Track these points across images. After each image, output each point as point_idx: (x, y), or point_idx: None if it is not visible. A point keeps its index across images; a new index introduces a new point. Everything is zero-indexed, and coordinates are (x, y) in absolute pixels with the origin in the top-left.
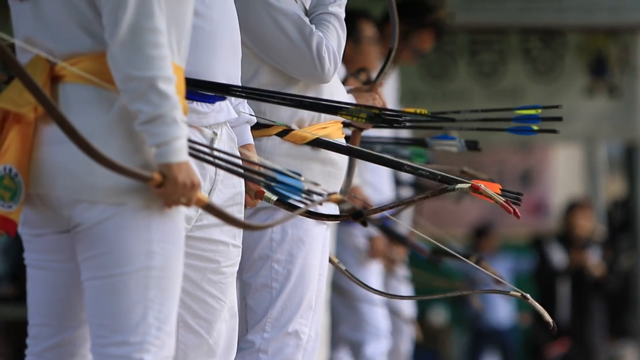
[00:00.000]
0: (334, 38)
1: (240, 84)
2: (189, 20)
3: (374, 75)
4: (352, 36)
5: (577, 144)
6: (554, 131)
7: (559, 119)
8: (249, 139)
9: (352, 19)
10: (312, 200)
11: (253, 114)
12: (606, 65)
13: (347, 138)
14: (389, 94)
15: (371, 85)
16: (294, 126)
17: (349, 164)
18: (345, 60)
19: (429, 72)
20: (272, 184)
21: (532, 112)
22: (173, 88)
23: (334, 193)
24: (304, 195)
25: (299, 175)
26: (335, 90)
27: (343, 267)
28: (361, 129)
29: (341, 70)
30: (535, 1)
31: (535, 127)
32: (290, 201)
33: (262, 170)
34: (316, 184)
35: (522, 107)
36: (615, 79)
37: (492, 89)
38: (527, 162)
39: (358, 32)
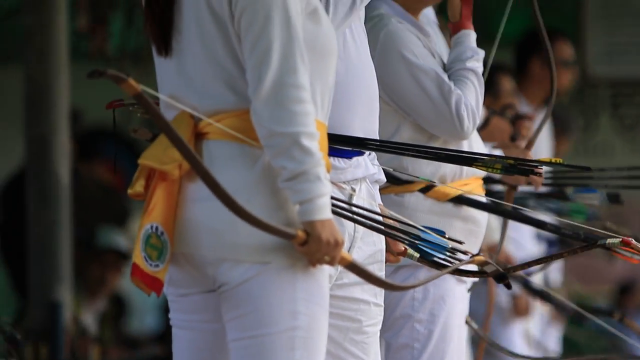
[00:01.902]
0: (472, 95)
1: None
2: (332, 75)
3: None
4: (491, 90)
5: None
6: None
7: None
8: (378, 198)
9: (491, 73)
10: (457, 260)
11: (382, 169)
12: None
13: (499, 197)
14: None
15: (522, 149)
16: (436, 182)
17: (502, 223)
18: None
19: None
20: (417, 242)
21: None
22: (316, 144)
23: (478, 254)
24: (448, 253)
25: (443, 233)
26: (474, 144)
27: (475, 326)
28: (514, 187)
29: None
30: None
31: None
32: (435, 259)
33: (403, 227)
34: (461, 242)
35: None
36: None
37: (635, 143)
38: None
39: (497, 86)
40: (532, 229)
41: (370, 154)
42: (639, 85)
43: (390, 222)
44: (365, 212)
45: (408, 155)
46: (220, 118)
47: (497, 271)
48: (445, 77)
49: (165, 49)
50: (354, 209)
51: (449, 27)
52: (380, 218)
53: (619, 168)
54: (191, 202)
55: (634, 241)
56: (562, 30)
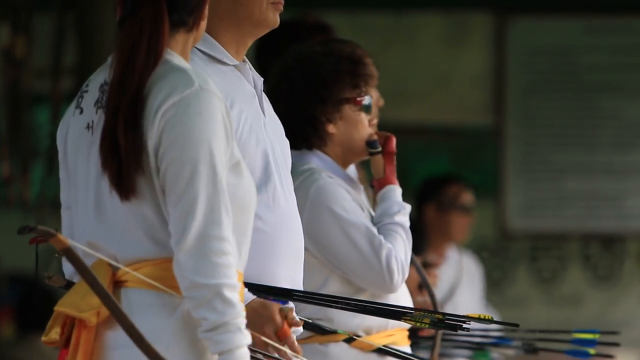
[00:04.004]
0: (401, 249)
1: (303, 290)
2: (250, 227)
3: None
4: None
5: (635, 351)
6: (610, 357)
7: (617, 344)
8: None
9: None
10: None
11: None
12: None
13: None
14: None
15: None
16: (361, 333)
17: None
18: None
19: (488, 277)
20: None
21: (590, 336)
22: (238, 296)
23: None
24: None
25: None
26: (401, 297)
27: None
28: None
29: None
30: (595, 208)
31: (592, 352)
32: None
33: None
34: None
35: (581, 330)
36: None
37: (552, 295)
38: None
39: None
40: None
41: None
42: (556, 239)
43: None
44: None
45: (337, 307)
46: (139, 267)
47: None
48: (375, 230)
49: (127, 194)
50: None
51: (374, 184)
52: None
53: (530, 330)
54: (109, 349)
55: None
56: (483, 185)
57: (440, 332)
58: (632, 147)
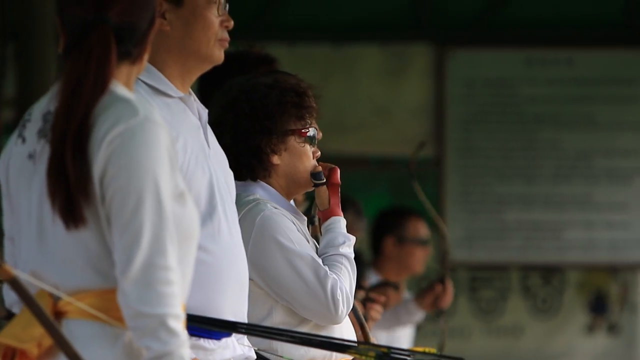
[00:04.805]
0: (346, 280)
1: (247, 321)
2: (193, 257)
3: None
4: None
5: None
6: None
7: None
8: None
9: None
10: None
11: (252, 348)
12: (606, 303)
13: None
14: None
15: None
16: None
17: None
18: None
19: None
20: None
21: None
22: (182, 325)
23: None
24: None
25: None
26: (346, 329)
27: None
28: None
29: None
30: (535, 239)
31: None
32: None
33: None
34: None
35: None
36: (615, 316)
37: (492, 326)
38: None
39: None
40: None
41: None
42: (496, 269)
43: None
44: None
45: (282, 340)
46: (81, 297)
47: None
48: (320, 261)
49: (75, 222)
50: None
51: (319, 215)
52: None
53: None
54: None
55: None
56: (423, 214)
57: None
58: (571, 178)
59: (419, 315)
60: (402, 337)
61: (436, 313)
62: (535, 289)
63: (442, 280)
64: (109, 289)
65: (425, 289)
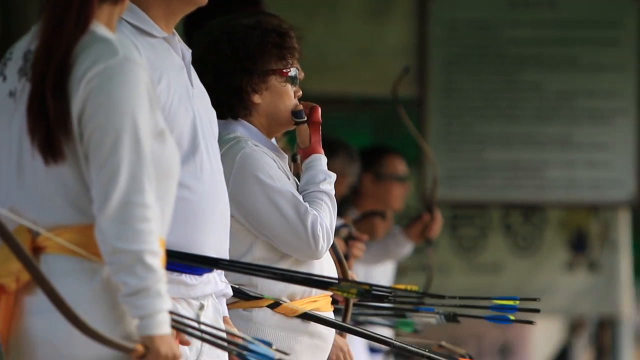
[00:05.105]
0: (327, 216)
1: (228, 257)
2: (173, 194)
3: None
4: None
5: (555, 318)
6: (530, 322)
7: (537, 311)
8: (225, 311)
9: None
10: None
11: (229, 285)
12: (586, 241)
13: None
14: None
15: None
16: (285, 299)
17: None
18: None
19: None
20: (244, 352)
21: (510, 303)
22: (159, 262)
23: None
24: None
25: (270, 345)
26: (326, 265)
27: None
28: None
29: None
30: (516, 178)
31: (512, 317)
32: None
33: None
34: (287, 354)
35: (501, 297)
36: (595, 254)
37: (472, 263)
38: (506, 336)
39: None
40: (364, 342)
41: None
42: (477, 207)
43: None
44: (208, 328)
45: (263, 276)
46: (60, 233)
47: None
48: (300, 198)
49: (55, 157)
50: (201, 325)
51: (300, 153)
52: (223, 334)
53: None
54: (28, 314)
55: None
56: (405, 155)
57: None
58: (552, 118)
59: (408, 246)
60: (381, 274)
61: (425, 243)
62: (515, 227)
63: (430, 210)
64: (87, 225)
65: (414, 220)
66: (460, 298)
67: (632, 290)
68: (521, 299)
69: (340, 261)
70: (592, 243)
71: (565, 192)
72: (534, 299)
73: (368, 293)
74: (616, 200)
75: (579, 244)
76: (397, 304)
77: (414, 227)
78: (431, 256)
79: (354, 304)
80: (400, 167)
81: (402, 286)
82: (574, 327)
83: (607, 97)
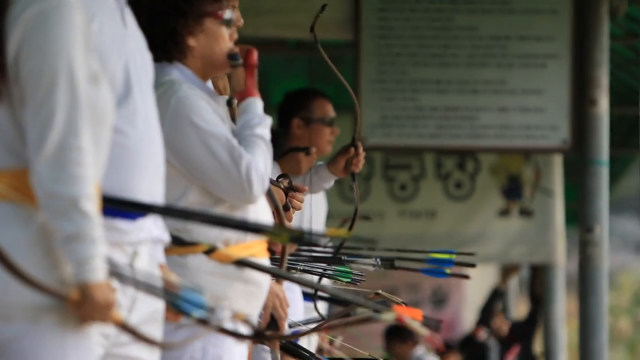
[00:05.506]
0: (261, 160)
1: (163, 202)
2: (107, 138)
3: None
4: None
5: (490, 265)
6: (466, 276)
7: (473, 265)
8: (162, 258)
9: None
10: (218, 318)
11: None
12: (519, 187)
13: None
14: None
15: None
16: (219, 244)
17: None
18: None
19: (342, 192)
20: (177, 301)
21: (447, 256)
22: (94, 207)
23: (239, 313)
24: (208, 312)
25: (202, 291)
26: (261, 211)
27: None
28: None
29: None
30: (450, 124)
31: (448, 271)
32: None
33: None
34: (221, 300)
35: (438, 250)
36: (528, 200)
37: (406, 209)
38: (440, 283)
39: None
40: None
41: None
42: (410, 153)
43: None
44: (143, 274)
45: (196, 222)
46: None
47: (258, 332)
48: (235, 142)
49: None
50: (134, 271)
51: (235, 96)
52: (156, 281)
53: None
54: None
55: (407, 319)
56: (340, 100)
57: (288, 245)
58: (485, 63)
59: (331, 180)
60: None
61: (350, 176)
62: (449, 173)
63: (353, 144)
64: (22, 169)
65: (338, 153)
66: (398, 251)
67: (565, 237)
68: (457, 253)
69: (278, 209)
70: (525, 189)
71: (499, 137)
72: (470, 254)
73: (300, 238)
74: (549, 146)
75: (511, 190)
76: (334, 252)
77: (339, 161)
78: (356, 190)
79: (293, 254)
80: (328, 110)
81: (333, 230)
82: (505, 272)
83: (541, 41)
